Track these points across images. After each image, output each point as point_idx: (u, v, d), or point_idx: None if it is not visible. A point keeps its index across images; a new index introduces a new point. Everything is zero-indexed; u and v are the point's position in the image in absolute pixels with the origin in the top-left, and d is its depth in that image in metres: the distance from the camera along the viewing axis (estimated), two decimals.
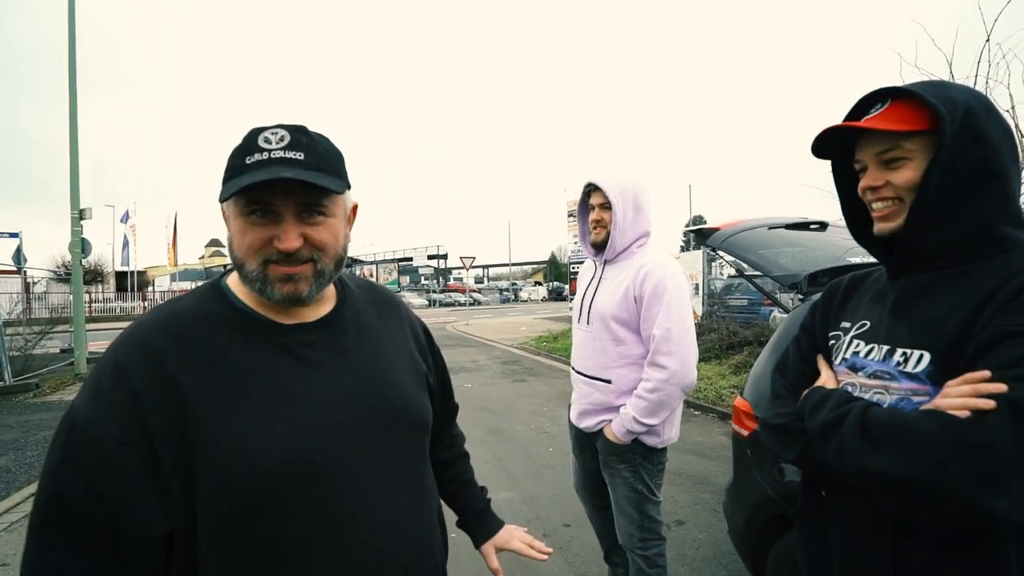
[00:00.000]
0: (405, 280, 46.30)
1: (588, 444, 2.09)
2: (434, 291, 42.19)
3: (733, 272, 15.27)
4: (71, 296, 9.22)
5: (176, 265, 34.78)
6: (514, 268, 66.30)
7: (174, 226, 32.27)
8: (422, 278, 49.30)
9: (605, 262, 2.02)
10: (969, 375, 0.72)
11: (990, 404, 0.67)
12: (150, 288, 38.81)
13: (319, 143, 0.75)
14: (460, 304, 37.56)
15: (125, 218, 28.55)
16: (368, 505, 0.75)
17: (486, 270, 63.88)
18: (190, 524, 0.68)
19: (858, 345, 0.91)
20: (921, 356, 0.80)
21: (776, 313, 9.72)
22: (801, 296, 2.23)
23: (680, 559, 2.78)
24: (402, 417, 0.84)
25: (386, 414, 0.81)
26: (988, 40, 3.66)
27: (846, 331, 0.95)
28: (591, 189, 1.99)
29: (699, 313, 11.44)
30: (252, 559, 0.69)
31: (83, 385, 0.69)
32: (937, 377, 0.77)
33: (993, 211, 0.81)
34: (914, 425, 0.72)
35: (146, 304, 31.96)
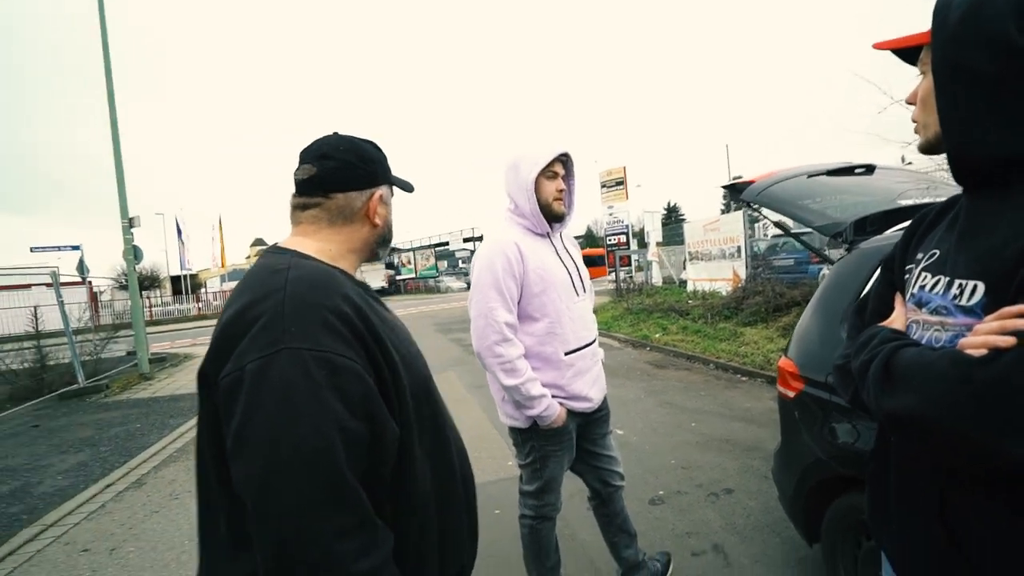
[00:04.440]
0: (443, 265, 46.72)
1: (591, 417, 2.02)
2: (470, 273, 42.38)
3: (777, 231, 14.65)
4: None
5: (225, 265, 36.35)
6: None
7: (219, 229, 33.64)
8: (459, 262, 49.66)
9: (560, 234, 2.01)
10: (1004, 310, 0.64)
11: (1009, 341, 0.60)
12: (203, 290, 40.74)
13: None
14: None
15: (179, 232, 29.97)
16: (443, 415, 1.04)
17: None
18: (401, 425, 0.87)
19: (925, 278, 0.82)
20: (975, 287, 0.70)
21: (826, 270, 9.24)
22: (847, 246, 2.06)
23: (730, 528, 2.70)
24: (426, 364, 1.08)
25: (422, 360, 1.05)
26: None
27: (918, 263, 0.86)
28: (565, 159, 1.92)
29: (742, 276, 11.05)
30: (435, 442, 0.96)
31: (299, 330, 0.78)
32: (993, 310, 0.67)
33: None
34: (929, 365, 0.68)
35: (200, 305, 33.67)
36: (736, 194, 2.76)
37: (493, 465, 3.85)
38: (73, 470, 4.55)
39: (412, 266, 43.84)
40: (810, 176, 2.48)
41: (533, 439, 1.90)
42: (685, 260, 14.63)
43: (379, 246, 1.05)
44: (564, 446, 1.93)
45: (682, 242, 15.30)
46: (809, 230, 2.36)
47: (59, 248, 12.19)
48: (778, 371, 2.21)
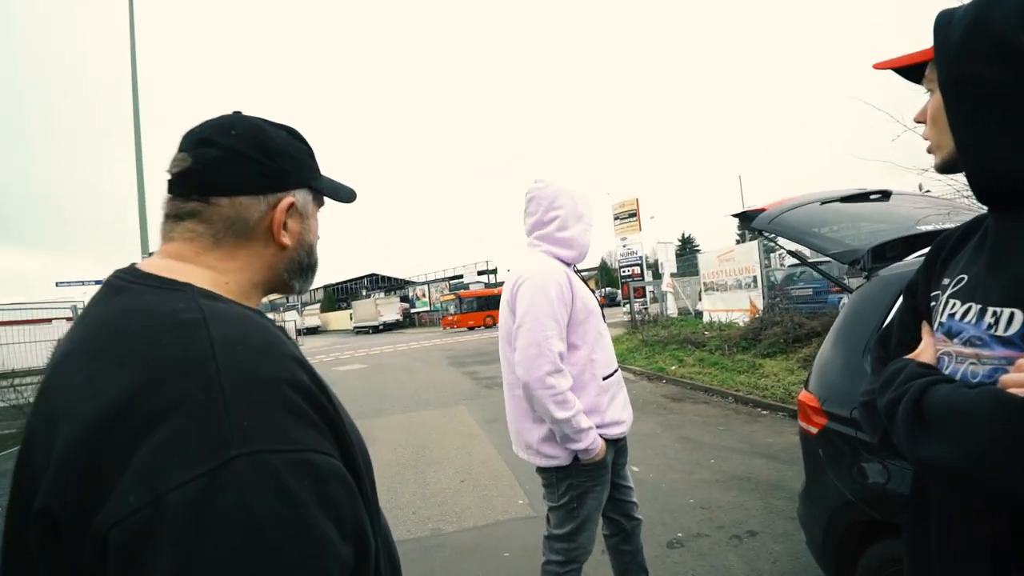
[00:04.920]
0: None
1: (618, 445, 1.97)
2: None
3: (793, 261, 14.47)
4: None
5: None
6: None
7: None
8: None
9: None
10: None
11: None
12: None
13: None
14: None
15: None
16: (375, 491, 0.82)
17: None
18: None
19: (954, 305, 0.75)
20: (1012, 315, 0.64)
21: (846, 300, 9.02)
22: (865, 274, 1.98)
23: (754, 574, 2.53)
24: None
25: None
26: None
27: (944, 288, 0.79)
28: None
29: (759, 306, 10.85)
30: (384, 533, 0.76)
31: (257, 421, 0.50)
32: None
33: None
34: (966, 408, 0.61)
35: None
36: (747, 222, 2.70)
37: (503, 504, 3.71)
38: None
39: (427, 299, 43.98)
40: (823, 203, 2.42)
41: (572, 476, 1.80)
42: (700, 291, 14.46)
43: (294, 276, 0.75)
44: (602, 480, 1.85)
45: (697, 273, 15.15)
46: (826, 259, 2.28)
47: (83, 283, 12.44)
48: (799, 405, 2.10)
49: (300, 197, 0.72)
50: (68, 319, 8.41)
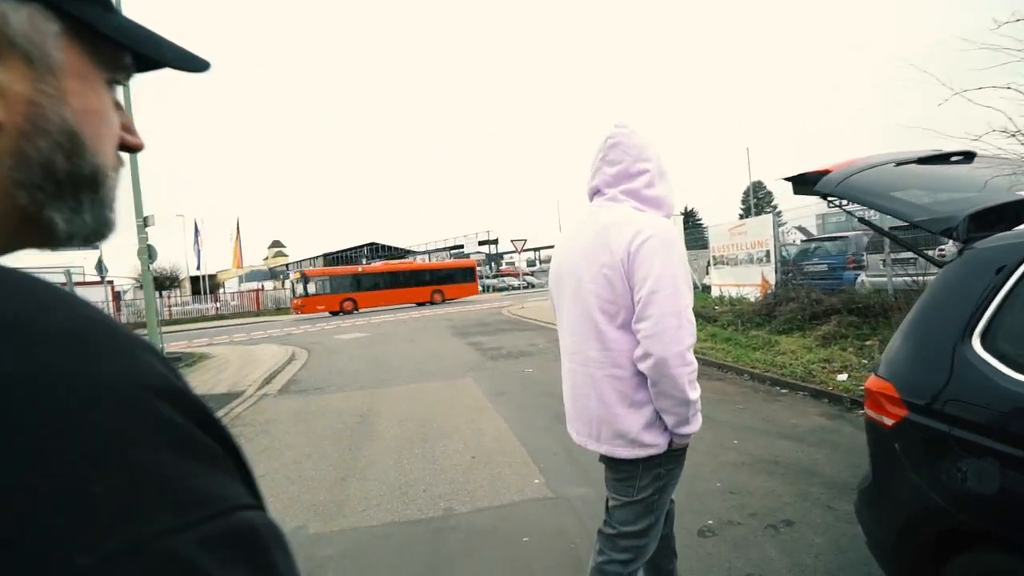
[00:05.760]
0: None
1: None
2: (487, 276, 42.23)
3: (803, 238, 14.12)
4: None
5: (242, 267, 36.62)
6: None
7: (237, 231, 33.91)
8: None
9: None
10: None
11: None
12: (221, 290, 41.14)
13: None
14: (514, 288, 37.39)
15: (196, 233, 30.32)
16: None
17: (538, 252, 63.52)
18: None
19: None
20: None
21: (864, 277, 8.76)
22: (960, 244, 1.71)
23: (798, 569, 2.34)
24: None
25: None
26: None
27: None
28: None
29: (771, 281, 10.60)
30: None
31: (136, 464, 0.26)
32: None
33: None
34: None
35: (218, 305, 33.96)
36: (805, 186, 2.42)
37: (517, 483, 3.53)
38: None
39: None
40: (898, 164, 2.14)
41: (661, 464, 1.58)
42: (708, 264, 14.18)
43: (34, 193, 0.34)
44: (683, 463, 1.68)
45: (703, 246, 14.84)
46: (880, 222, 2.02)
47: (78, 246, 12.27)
48: (867, 394, 1.86)
49: (18, 18, 0.32)
50: (62, 284, 8.17)
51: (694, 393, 1.48)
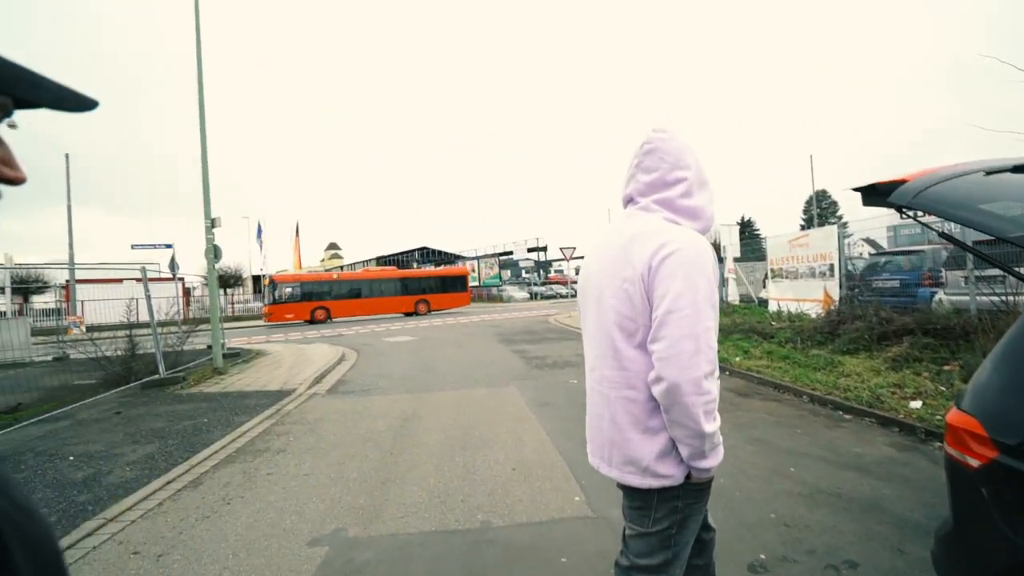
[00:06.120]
0: (507, 274, 46.79)
1: None
2: (535, 284, 42.17)
3: (872, 251, 13.22)
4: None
5: (300, 267, 38.33)
6: None
7: (296, 233, 35.56)
8: (523, 271, 49.57)
9: None
10: None
11: None
12: None
13: None
14: (562, 296, 37.11)
15: (259, 233, 31.98)
16: None
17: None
18: None
19: None
20: None
21: (942, 295, 8.08)
22: None
23: None
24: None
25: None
26: None
27: None
28: None
29: (835, 297, 9.98)
30: None
31: None
32: None
33: None
34: None
35: None
36: (877, 197, 2.22)
37: (557, 499, 3.44)
38: (141, 462, 4.60)
39: (476, 274, 44.14)
40: (988, 173, 1.92)
41: (679, 497, 1.47)
42: (766, 277, 13.55)
43: None
44: (706, 499, 1.54)
45: (760, 258, 14.20)
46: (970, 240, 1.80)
47: (154, 246, 13.14)
48: (949, 428, 1.67)
49: None
50: (138, 280, 8.78)
51: (710, 425, 1.36)
